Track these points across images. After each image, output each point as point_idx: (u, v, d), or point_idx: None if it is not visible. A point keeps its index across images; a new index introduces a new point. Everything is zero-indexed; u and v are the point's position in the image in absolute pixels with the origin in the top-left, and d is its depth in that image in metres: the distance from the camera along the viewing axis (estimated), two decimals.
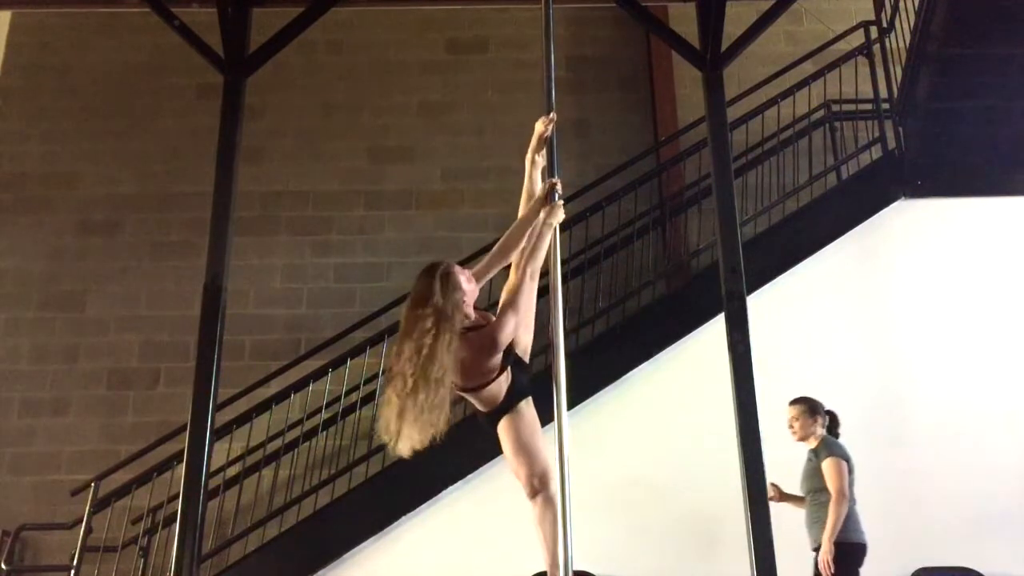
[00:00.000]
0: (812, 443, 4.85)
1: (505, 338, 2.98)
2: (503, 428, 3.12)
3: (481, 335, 2.98)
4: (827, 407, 4.99)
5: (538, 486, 3.05)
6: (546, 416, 3.06)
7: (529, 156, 3.37)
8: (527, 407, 3.13)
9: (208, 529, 5.57)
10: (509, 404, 3.10)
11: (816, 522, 4.71)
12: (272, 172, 7.58)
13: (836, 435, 4.94)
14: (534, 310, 3.23)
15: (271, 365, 6.61)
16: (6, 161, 7.73)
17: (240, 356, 6.90)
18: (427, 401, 2.83)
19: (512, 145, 7.40)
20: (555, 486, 2.95)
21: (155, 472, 6.03)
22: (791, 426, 4.87)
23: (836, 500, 4.58)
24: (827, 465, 4.68)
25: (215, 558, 5.93)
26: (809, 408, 4.88)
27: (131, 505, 6.07)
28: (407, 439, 2.88)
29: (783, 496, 4.88)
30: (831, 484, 4.63)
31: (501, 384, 3.08)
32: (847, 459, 4.72)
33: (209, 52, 4.97)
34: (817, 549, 4.67)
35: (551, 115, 3.31)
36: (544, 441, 3.08)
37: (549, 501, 2.99)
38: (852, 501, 4.69)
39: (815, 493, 4.75)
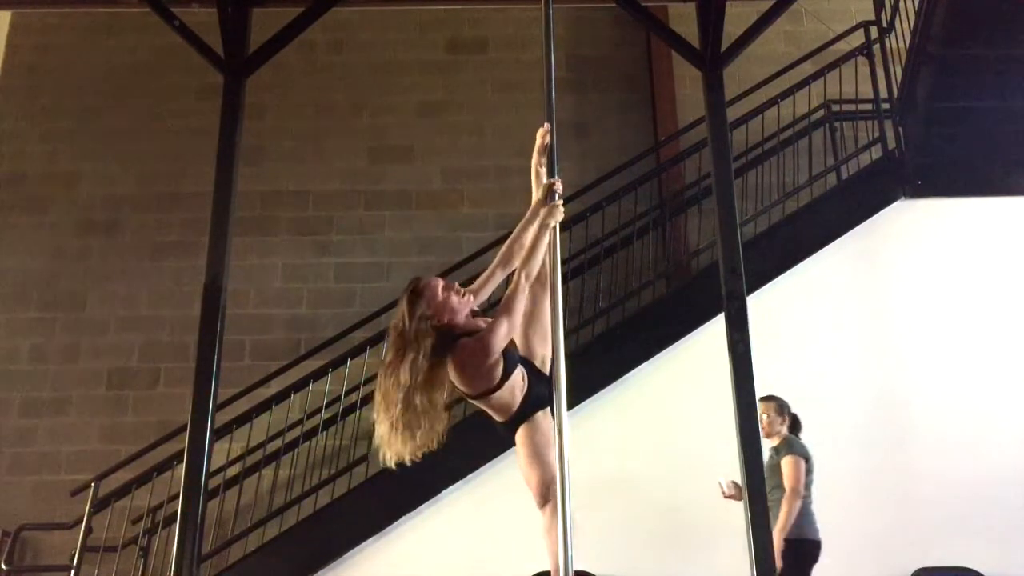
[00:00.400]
0: (775, 441, 4.93)
1: (497, 341, 2.95)
2: (519, 437, 3.11)
3: (474, 340, 2.97)
4: (826, 406, 5.01)
5: (548, 496, 3.02)
6: None
7: (533, 169, 3.37)
8: (544, 418, 3.11)
9: (208, 529, 5.56)
10: (524, 414, 3.09)
11: (771, 517, 4.75)
12: (272, 172, 7.58)
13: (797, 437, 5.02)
14: (547, 318, 3.18)
15: (271, 365, 6.61)
16: (6, 161, 7.73)
17: (240, 356, 6.90)
18: (399, 420, 2.92)
19: (512, 145, 7.51)
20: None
21: (155, 472, 6.03)
22: (759, 421, 4.91)
23: (789, 496, 4.67)
24: (786, 462, 4.78)
25: (215, 558, 5.93)
26: (778, 406, 4.97)
27: (131, 505, 6.07)
28: (389, 451, 2.98)
29: (741, 494, 4.91)
30: (787, 480, 4.71)
31: (514, 393, 3.06)
32: (807, 458, 4.82)
33: (209, 52, 4.96)
34: None
35: (545, 126, 3.29)
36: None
37: (553, 513, 2.97)
38: (808, 499, 4.77)
39: (773, 490, 4.80)
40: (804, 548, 4.66)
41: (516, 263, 3.13)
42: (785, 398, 5.08)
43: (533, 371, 3.15)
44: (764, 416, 4.91)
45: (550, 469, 3.02)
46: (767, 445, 4.94)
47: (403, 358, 2.95)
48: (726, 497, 4.87)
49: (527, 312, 3.19)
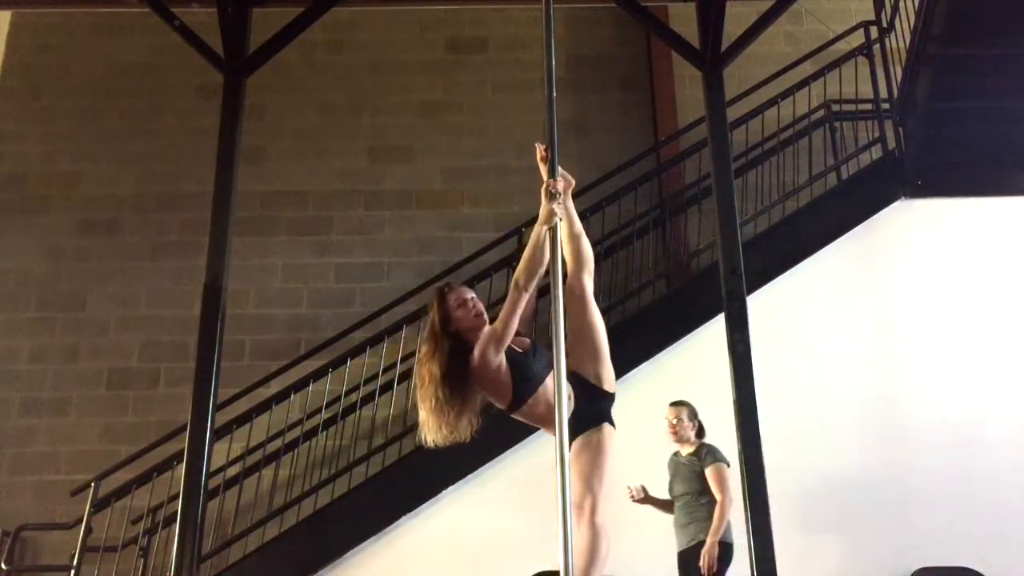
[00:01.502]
0: (688, 447, 4.92)
1: (482, 351, 2.98)
2: (571, 451, 3.08)
3: (473, 353, 3.02)
4: (826, 406, 4.99)
5: (583, 515, 2.98)
6: None
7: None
8: (597, 434, 3.07)
9: (208, 529, 5.57)
10: (574, 429, 3.02)
11: (693, 523, 4.77)
12: (272, 172, 7.58)
13: None
14: (590, 333, 3.15)
15: (271, 365, 6.61)
16: (6, 161, 7.73)
17: (240, 356, 6.90)
18: (431, 409, 3.07)
19: (512, 145, 7.51)
20: (600, 520, 2.92)
21: (155, 472, 6.03)
22: (672, 424, 4.91)
23: (726, 503, 4.67)
24: (716, 469, 4.75)
25: (215, 558, 5.93)
26: (691, 411, 4.98)
27: (131, 505, 6.07)
28: (425, 433, 3.13)
29: (647, 498, 4.93)
30: (719, 488, 4.71)
31: (551, 408, 3.05)
32: (728, 464, 4.80)
33: (209, 52, 4.96)
34: (684, 551, 4.78)
35: (542, 146, 3.26)
36: (607, 474, 3.04)
37: (587, 531, 2.94)
38: None
39: (694, 495, 4.80)
40: (723, 551, 4.68)
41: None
42: (783, 397, 5.07)
43: (585, 387, 3.11)
44: (676, 420, 4.93)
45: (591, 489, 2.98)
46: (673, 450, 5.00)
47: (431, 354, 3.09)
48: (635, 501, 4.89)
49: (575, 329, 3.17)
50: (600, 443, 3.06)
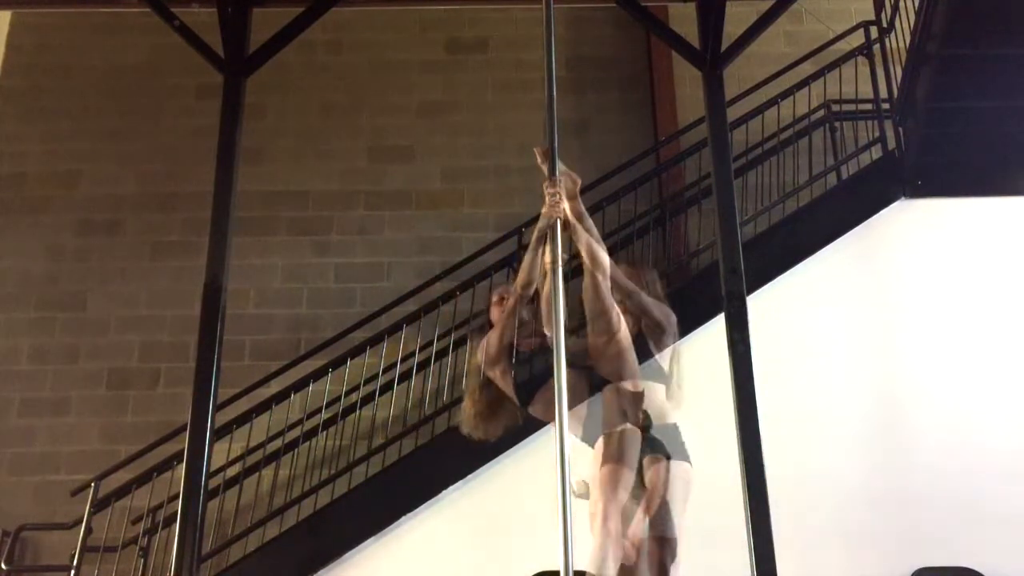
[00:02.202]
0: None
1: (478, 354, 3.01)
2: (592, 453, 3.07)
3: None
4: (826, 406, 4.98)
5: (593, 520, 2.96)
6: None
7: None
8: (616, 436, 3.08)
9: (208, 529, 5.57)
10: (593, 430, 3.10)
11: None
12: (272, 172, 7.58)
13: None
14: (621, 330, 3.14)
15: (271, 365, 6.61)
16: (6, 161, 7.73)
17: (240, 356, 6.90)
18: (468, 396, 3.26)
19: (512, 145, 7.52)
20: (611, 526, 2.91)
21: (155, 472, 6.03)
22: None
23: (654, 494, 4.61)
24: (651, 461, 4.69)
25: (215, 558, 5.93)
26: None
27: (131, 505, 6.07)
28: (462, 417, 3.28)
29: (589, 493, 4.90)
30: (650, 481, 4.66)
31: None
32: (670, 457, 4.76)
33: (209, 52, 4.96)
34: None
35: (540, 149, 3.25)
36: (623, 480, 3.01)
37: (598, 537, 2.91)
38: None
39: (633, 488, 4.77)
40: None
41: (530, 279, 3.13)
42: (783, 397, 5.07)
43: (603, 386, 3.10)
44: None
45: (605, 496, 2.97)
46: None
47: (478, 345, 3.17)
48: (577, 496, 4.81)
49: (592, 326, 3.16)
50: (619, 446, 3.05)
